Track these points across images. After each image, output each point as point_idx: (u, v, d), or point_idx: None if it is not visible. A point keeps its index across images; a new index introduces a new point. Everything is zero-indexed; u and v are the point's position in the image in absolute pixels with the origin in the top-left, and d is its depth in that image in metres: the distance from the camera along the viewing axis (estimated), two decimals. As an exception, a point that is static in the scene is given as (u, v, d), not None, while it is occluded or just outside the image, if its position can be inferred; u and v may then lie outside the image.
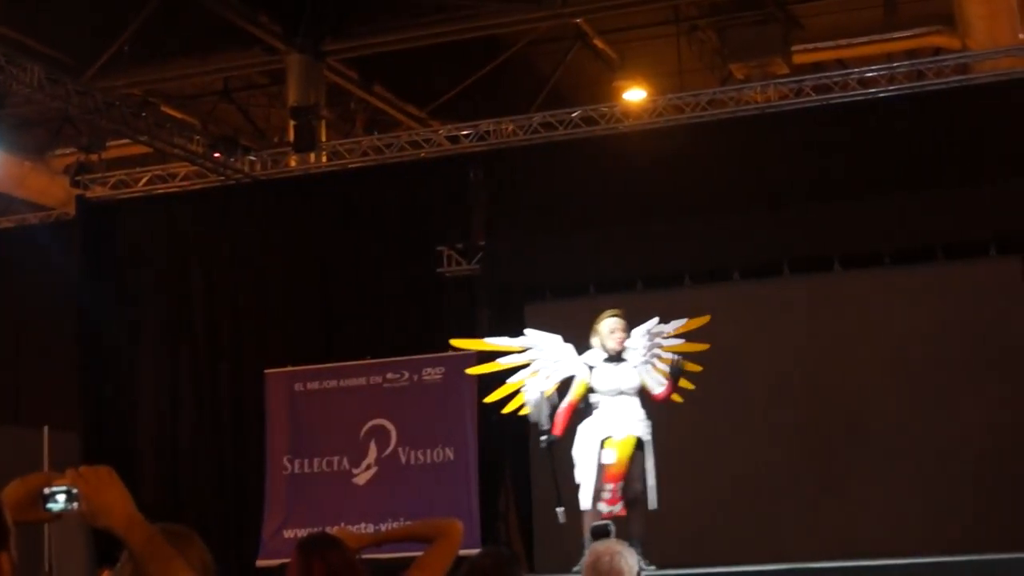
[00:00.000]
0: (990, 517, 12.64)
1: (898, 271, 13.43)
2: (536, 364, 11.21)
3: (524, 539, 13.96)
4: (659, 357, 11.34)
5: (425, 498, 14.06)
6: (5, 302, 16.67)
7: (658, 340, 11.38)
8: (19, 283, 16.48)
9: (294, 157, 16.10)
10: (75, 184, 16.09)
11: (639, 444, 10.90)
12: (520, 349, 11.36)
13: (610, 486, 10.79)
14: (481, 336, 12.42)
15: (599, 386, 11.00)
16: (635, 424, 10.97)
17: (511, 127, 14.95)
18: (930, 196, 13.26)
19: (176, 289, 15.81)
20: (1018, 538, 11.95)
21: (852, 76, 14.19)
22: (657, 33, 18.31)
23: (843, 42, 16.69)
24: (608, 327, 11.11)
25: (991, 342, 13.08)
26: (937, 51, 15.97)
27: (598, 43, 18.38)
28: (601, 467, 10.80)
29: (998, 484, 12.79)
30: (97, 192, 16.17)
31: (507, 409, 11.24)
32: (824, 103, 14.07)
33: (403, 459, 14.44)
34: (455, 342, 12.12)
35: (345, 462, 14.60)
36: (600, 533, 9.54)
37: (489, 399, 11.58)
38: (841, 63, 16.57)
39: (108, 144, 16.38)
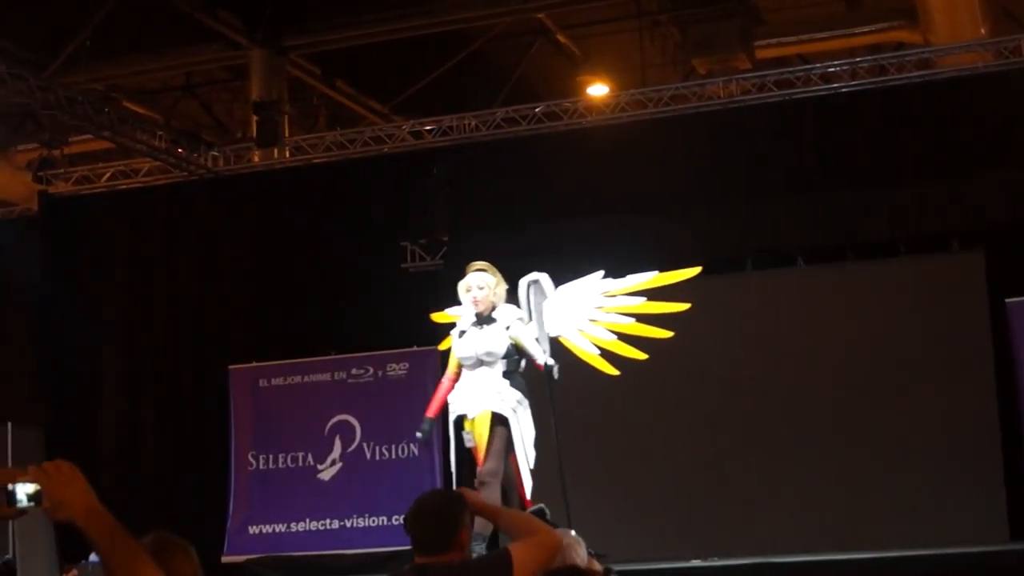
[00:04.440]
0: (948, 511, 12.69)
1: (861, 265, 13.47)
2: None
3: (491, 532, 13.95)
4: (594, 320, 10.08)
5: (390, 493, 14.07)
6: (-34, 298, 16.59)
7: (599, 299, 10.13)
8: (-20, 278, 16.40)
9: (257, 152, 16.09)
10: (38, 180, 16.05)
11: (496, 420, 9.44)
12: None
13: (479, 470, 9.50)
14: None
15: (458, 354, 9.71)
16: (491, 397, 9.52)
17: (474, 122, 14.96)
18: (894, 190, 13.32)
19: (139, 284, 15.77)
20: (966, 534, 12.04)
21: (815, 71, 14.25)
22: (619, 28, 18.34)
23: (805, 37, 16.74)
24: (463, 286, 9.80)
25: (953, 336, 13.14)
26: (899, 46, 16.03)
27: (561, 38, 18.41)
28: (467, 451, 9.61)
29: (952, 480, 12.85)
30: (60, 188, 16.13)
31: None
32: (787, 98, 14.12)
33: (368, 455, 14.43)
34: (435, 316, 10.94)
35: (310, 458, 14.59)
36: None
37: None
38: (803, 58, 16.62)
39: (71, 140, 16.33)
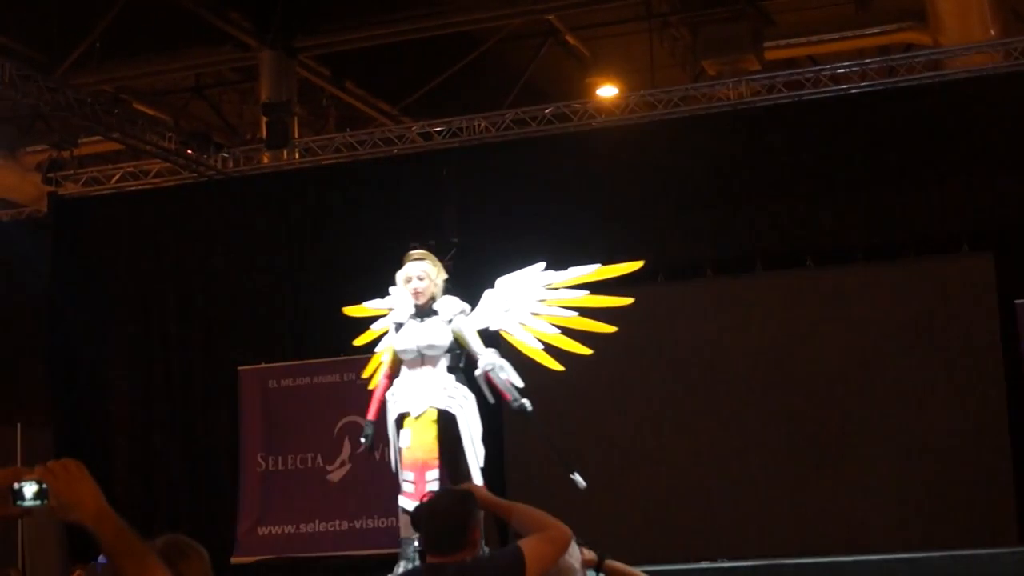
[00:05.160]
0: (958, 513, 12.66)
1: (870, 267, 13.47)
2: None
3: (499, 532, 13.96)
4: (536, 314, 9.38)
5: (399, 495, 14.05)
6: (-24, 300, 16.62)
7: (541, 292, 9.41)
8: (-9, 280, 16.44)
9: (267, 154, 16.10)
10: (47, 181, 16.07)
11: (442, 418, 8.87)
12: (387, 311, 9.53)
13: (411, 475, 8.92)
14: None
15: (397, 347, 9.08)
16: (436, 393, 8.91)
17: (484, 123, 14.95)
18: (903, 192, 13.32)
19: (148, 286, 15.77)
20: (985, 533, 12.01)
21: (824, 72, 14.24)
22: (629, 30, 18.32)
23: (815, 38, 16.73)
24: (403, 276, 9.13)
25: (963, 338, 13.11)
26: (909, 47, 16.01)
27: (570, 39, 18.40)
28: (399, 452, 9.02)
29: (961, 481, 12.81)
30: (69, 189, 16.14)
31: (372, 384, 9.59)
32: (796, 99, 14.11)
33: (377, 455, 14.39)
34: (347, 310, 10.36)
35: (319, 459, 14.58)
36: None
37: (365, 373, 10.03)
38: (813, 59, 16.61)
39: (80, 141, 16.35)
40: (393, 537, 13.88)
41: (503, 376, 8.97)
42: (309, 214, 15.36)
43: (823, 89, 14.07)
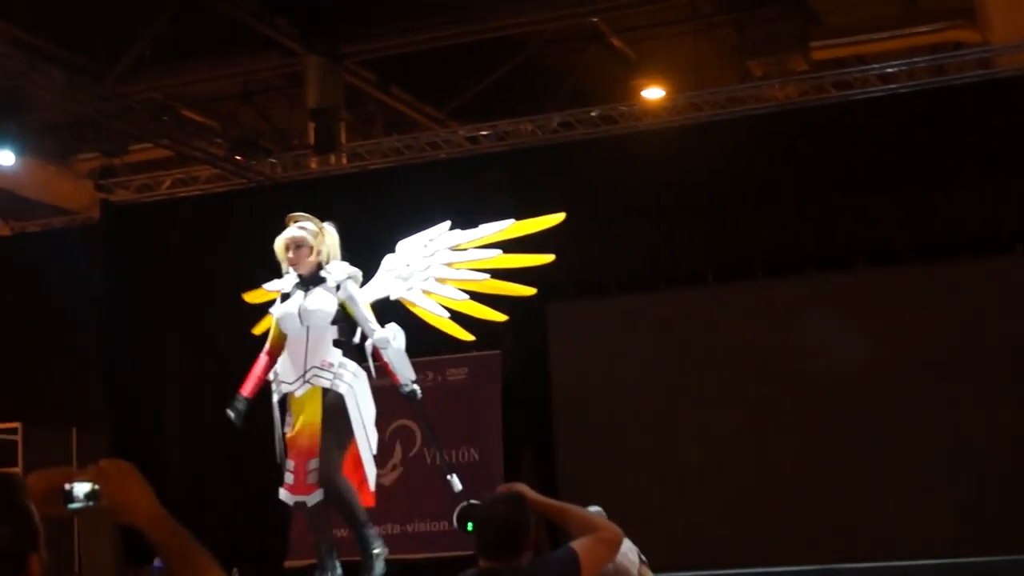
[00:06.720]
0: (1008, 518, 12.56)
1: (922, 268, 13.39)
2: None
3: (550, 536, 13.96)
4: (441, 279, 8.73)
5: (452, 498, 14.06)
6: (32, 306, 16.75)
7: (447, 254, 8.78)
8: (45, 287, 16.56)
9: (315, 159, 16.16)
10: (99, 188, 16.23)
11: (327, 398, 8.12)
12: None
13: (291, 464, 8.21)
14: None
15: (277, 315, 8.35)
16: (320, 371, 8.11)
17: (530, 127, 14.99)
18: (954, 192, 13.25)
19: (200, 291, 15.86)
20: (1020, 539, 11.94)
21: (872, 72, 14.19)
22: (674, 31, 18.25)
23: (863, 37, 16.64)
24: (279, 245, 8.47)
25: (1010, 340, 13.01)
26: (958, 45, 15.93)
27: (615, 42, 18.35)
28: (282, 437, 8.23)
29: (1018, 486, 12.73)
30: (121, 196, 16.27)
31: None
32: (844, 99, 14.06)
33: (428, 459, 14.44)
34: (247, 296, 9.66)
35: (371, 463, 14.60)
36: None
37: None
38: (860, 59, 16.53)
39: (131, 148, 16.47)
40: (443, 540, 13.94)
41: (395, 354, 8.29)
42: (357, 218, 15.37)
43: (871, 88, 14.03)
